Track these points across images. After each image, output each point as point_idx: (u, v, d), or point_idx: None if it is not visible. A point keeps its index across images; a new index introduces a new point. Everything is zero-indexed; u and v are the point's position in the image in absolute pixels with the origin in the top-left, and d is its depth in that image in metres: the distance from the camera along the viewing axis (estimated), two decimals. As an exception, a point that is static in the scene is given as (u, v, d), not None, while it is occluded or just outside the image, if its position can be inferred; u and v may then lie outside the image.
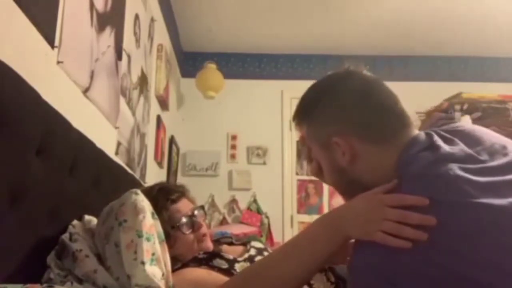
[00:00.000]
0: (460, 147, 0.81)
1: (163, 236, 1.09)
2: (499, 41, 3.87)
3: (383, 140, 0.87)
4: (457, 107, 3.79)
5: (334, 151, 0.89)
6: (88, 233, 1.10)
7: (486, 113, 3.79)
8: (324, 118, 0.93)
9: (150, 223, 1.05)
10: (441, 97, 3.91)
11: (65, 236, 1.05)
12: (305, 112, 0.98)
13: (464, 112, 3.77)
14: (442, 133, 0.87)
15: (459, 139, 0.84)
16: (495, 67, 4.13)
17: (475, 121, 3.75)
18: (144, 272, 0.94)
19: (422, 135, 0.86)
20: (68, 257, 1.01)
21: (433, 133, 0.86)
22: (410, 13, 3.43)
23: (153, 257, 1.01)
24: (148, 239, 1.03)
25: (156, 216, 1.10)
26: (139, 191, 1.09)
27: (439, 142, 0.82)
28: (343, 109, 0.91)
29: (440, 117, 3.85)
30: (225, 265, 1.16)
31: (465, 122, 1.00)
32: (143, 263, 0.95)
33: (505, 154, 0.80)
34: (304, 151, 1.04)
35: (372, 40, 3.88)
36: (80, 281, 0.97)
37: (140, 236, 0.99)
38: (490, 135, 0.89)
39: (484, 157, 0.79)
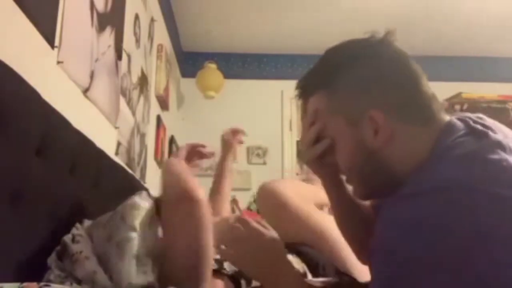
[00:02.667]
0: (501, 136, 0.69)
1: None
2: (499, 41, 3.87)
3: (422, 122, 0.74)
4: (457, 107, 3.79)
5: (365, 128, 0.74)
6: (89, 236, 1.10)
7: (486, 113, 3.78)
8: (355, 87, 0.77)
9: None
10: (441, 97, 3.87)
11: (68, 237, 1.05)
12: (326, 78, 0.79)
13: (464, 112, 3.78)
14: (474, 120, 0.75)
15: (490, 129, 0.72)
16: (495, 67, 4.12)
17: (475, 121, 3.76)
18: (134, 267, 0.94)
19: (457, 120, 0.75)
20: (68, 259, 1.01)
21: (468, 119, 0.74)
22: (410, 12, 3.43)
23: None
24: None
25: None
26: (143, 192, 1.10)
27: (480, 127, 0.71)
28: (381, 79, 0.76)
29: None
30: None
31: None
32: (133, 257, 0.96)
33: None
34: (309, 129, 0.78)
35: (372, 40, 3.88)
36: (80, 282, 0.97)
37: (132, 230, 0.99)
38: (506, 128, 0.77)
39: None
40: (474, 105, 3.79)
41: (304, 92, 0.84)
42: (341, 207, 0.95)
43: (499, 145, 0.66)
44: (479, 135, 0.69)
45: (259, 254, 0.85)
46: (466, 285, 0.57)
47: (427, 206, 0.61)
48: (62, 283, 0.94)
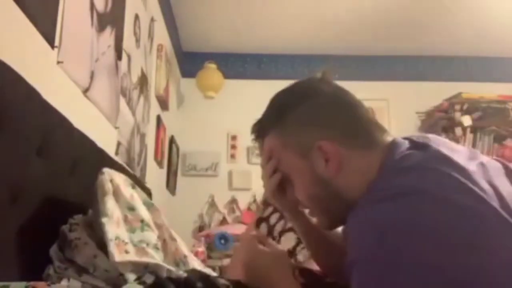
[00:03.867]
0: (444, 148, 0.74)
1: (150, 202, 1.12)
2: (499, 41, 3.87)
3: (367, 145, 0.79)
4: (457, 107, 3.80)
5: (316, 159, 0.79)
6: (88, 225, 1.11)
7: (486, 113, 3.80)
8: (302, 121, 0.83)
9: (129, 194, 1.07)
10: (441, 97, 3.91)
11: (65, 227, 1.06)
12: (276, 118, 0.86)
13: (464, 112, 3.78)
14: (417, 137, 0.81)
15: (432, 143, 0.77)
16: (495, 67, 4.13)
17: (475, 121, 3.76)
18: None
19: (400, 139, 0.80)
20: (68, 246, 1.02)
21: (411, 137, 0.81)
22: (409, 13, 3.43)
23: (142, 224, 1.03)
24: (131, 209, 1.05)
25: (136, 186, 1.12)
26: (104, 170, 1.11)
27: (422, 141, 0.77)
28: (327, 112, 0.82)
29: (440, 117, 3.86)
30: None
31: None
32: (111, 239, 0.96)
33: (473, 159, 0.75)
34: (265, 166, 0.87)
35: (372, 40, 3.88)
36: (81, 270, 0.97)
37: (105, 216, 1.00)
38: (451, 143, 0.81)
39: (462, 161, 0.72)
40: (474, 105, 3.79)
41: (258, 134, 0.90)
42: (309, 237, 1.01)
43: (441, 155, 0.72)
44: (422, 148, 0.75)
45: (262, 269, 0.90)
46: (450, 280, 0.60)
47: (394, 211, 0.65)
48: (61, 275, 0.95)
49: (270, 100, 0.93)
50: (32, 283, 0.71)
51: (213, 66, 3.70)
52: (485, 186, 0.67)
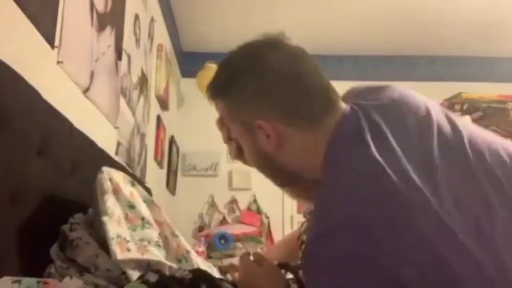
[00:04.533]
0: (389, 156, 0.72)
1: (150, 198, 1.12)
2: (499, 41, 3.87)
3: (310, 125, 0.80)
4: (457, 107, 3.79)
5: (257, 135, 0.81)
6: (88, 224, 1.11)
7: (486, 113, 3.79)
8: (245, 98, 0.83)
9: (128, 191, 1.06)
10: (441, 97, 3.91)
11: (66, 226, 1.06)
12: (222, 88, 0.88)
13: (464, 112, 3.78)
14: (371, 114, 0.79)
15: (388, 128, 0.76)
16: (495, 67, 4.13)
17: (475, 121, 3.76)
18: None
19: (348, 118, 0.79)
20: (69, 246, 1.02)
21: (360, 115, 0.79)
22: (409, 12, 3.43)
23: (143, 221, 1.03)
24: (131, 207, 1.05)
25: (136, 183, 1.12)
26: (103, 169, 1.10)
27: (367, 136, 0.74)
28: (266, 90, 0.81)
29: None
30: None
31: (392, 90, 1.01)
32: (112, 238, 0.96)
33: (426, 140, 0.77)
34: (221, 129, 0.93)
35: (372, 40, 3.88)
36: (82, 269, 0.97)
37: (105, 214, 1.00)
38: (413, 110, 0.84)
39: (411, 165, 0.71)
40: (474, 105, 3.78)
41: (211, 96, 0.94)
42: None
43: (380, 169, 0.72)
44: (361, 145, 0.75)
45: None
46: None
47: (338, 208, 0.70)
48: (62, 276, 0.95)
49: (222, 62, 0.93)
50: (43, 279, 0.71)
51: (213, 66, 3.69)
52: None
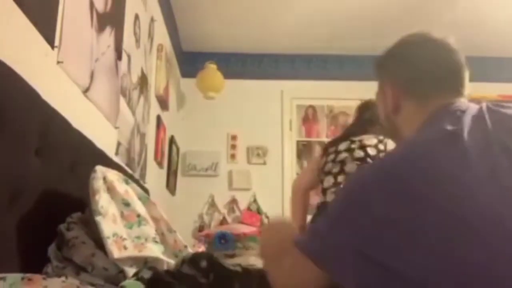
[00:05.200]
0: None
1: (146, 195, 1.13)
2: (499, 41, 3.87)
3: (424, 102, 0.91)
4: (457, 107, 3.79)
5: (385, 95, 0.99)
6: (85, 223, 1.11)
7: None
8: (386, 66, 1.05)
9: (123, 189, 1.06)
10: (441, 97, 3.91)
11: (63, 226, 1.06)
12: (383, 56, 1.08)
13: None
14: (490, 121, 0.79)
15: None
16: (495, 67, 4.12)
17: (475, 121, 3.75)
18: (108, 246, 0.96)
19: (452, 111, 0.83)
20: (65, 246, 1.02)
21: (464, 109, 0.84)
22: (409, 12, 3.43)
23: (139, 218, 1.03)
24: (126, 204, 1.04)
25: (130, 181, 1.12)
26: (96, 168, 1.10)
27: (464, 135, 0.74)
28: (401, 61, 1.01)
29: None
30: None
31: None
32: (108, 237, 0.96)
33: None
34: None
35: (373, 40, 3.88)
36: (79, 269, 0.97)
37: (98, 214, 1.00)
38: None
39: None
40: (474, 105, 3.79)
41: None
42: None
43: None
44: (450, 141, 0.78)
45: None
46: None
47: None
48: (58, 276, 0.94)
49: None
50: (28, 275, 0.71)
51: (213, 66, 3.70)
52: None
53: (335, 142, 2.16)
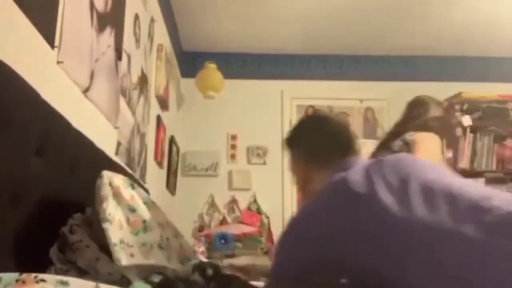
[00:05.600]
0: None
1: (151, 200, 1.13)
2: (499, 41, 3.87)
3: (327, 166, 1.14)
4: (457, 107, 3.79)
5: (298, 171, 1.27)
6: (88, 223, 1.10)
7: (486, 113, 3.79)
8: (294, 146, 1.29)
9: (129, 195, 1.06)
10: (441, 97, 3.90)
11: (66, 228, 1.05)
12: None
13: (464, 112, 3.77)
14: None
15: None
16: (495, 67, 4.12)
17: (475, 121, 3.75)
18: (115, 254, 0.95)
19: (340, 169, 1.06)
20: (69, 249, 1.02)
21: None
22: (409, 12, 3.43)
23: (145, 224, 1.03)
24: (132, 210, 1.04)
25: (136, 186, 1.11)
26: (103, 174, 1.10)
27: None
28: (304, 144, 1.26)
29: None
30: None
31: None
32: (115, 244, 0.96)
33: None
34: None
35: (373, 40, 3.88)
36: (82, 272, 0.97)
37: (105, 221, 0.99)
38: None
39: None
40: (474, 105, 3.78)
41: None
42: None
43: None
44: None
45: None
46: None
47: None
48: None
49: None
50: (24, 276, 0.71)
51: (213, 66, 3.70)
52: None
53: (387, 138, 2.39)
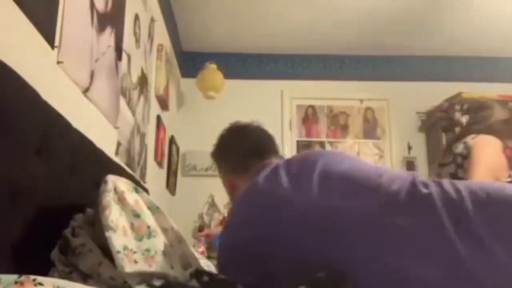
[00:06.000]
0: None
1: (155, 205, 1.12)
2: (499, 41, 3.87)
3: (246, 173, 1.24)
4: (457, 107, 3.79)
5: (225, 181, 1.41)
6: (90, 224, 1.10)
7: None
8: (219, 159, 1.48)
9: (133, 200, 1.06)
10: (441, 97, 3.91)
11: (68, 231, 1.05)
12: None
13: (464, 112, 3.78)
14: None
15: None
16: (495, 67, 4.12)
17: (475, 121, 3.75)
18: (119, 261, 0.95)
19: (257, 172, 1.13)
20: (71, 253, 1.01)
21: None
22: (409, 12, 3.43)
23: (148, 230, 1.02)
24: (136, 216, 1.04)
25: (140, 189, 1.11)
26: (107, 179, 1.09)
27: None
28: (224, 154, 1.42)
29: (440, 117, 3.86)
30: None
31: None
32: (118, 252, 0.96)
33: None
34: None
35: (372, 40, 3.88)
36: (85, 276, 0.97)
37: (109, 229, 0.99)
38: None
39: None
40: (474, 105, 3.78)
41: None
42: None
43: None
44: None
45: None
46: None
47: None
48: (68, 279, 0.94)
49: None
50: (22, 278, 0.70)
51: (213, 66, 3.70)
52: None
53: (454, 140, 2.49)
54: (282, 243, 0.95)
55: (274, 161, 1.22)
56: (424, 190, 0.92)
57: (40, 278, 0.72)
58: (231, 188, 1.34)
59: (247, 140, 1.36)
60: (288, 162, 1.12)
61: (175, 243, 1.13)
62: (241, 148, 1.34)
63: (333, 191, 0.97)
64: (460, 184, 0.94)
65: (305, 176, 1.02)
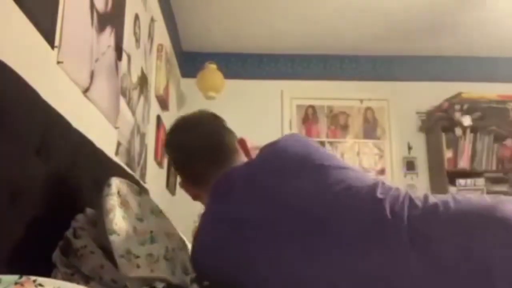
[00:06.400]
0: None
1: (158, 209, 1.12)
2: (499, 41, 3.87)
3: (204, 182, 1.17)
4: (457, 107, 3.80)
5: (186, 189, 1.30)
6: (92, 224, 1.10)
7: (486, 113, 3.80)
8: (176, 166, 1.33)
9: (137, 203, 1.06)
10: (441, 97, 3.91)
11: (69, 232, 1.05)
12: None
13: (464, 112, 3.78)
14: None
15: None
16: (495, 67, 4.13)
17: (475, 121, 3.76)
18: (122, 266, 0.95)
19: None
20: (73, 254, 1.01)
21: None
22: (410, 12, 3.43)
23: (151, 234, 1.02)
24: (139, 220, 1.04)
25: (144, 193, 1.11)
26: (111, 182, 1.09)
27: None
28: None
29: (440, 117, 3.86)
30: None
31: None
32: (122, 256, 0.96)
33: None
34: None
35: (373, 40, 3.88)
36: (87, 278, 0.97)
37: (112, 233, 0.99)
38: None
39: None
40: (474, 105, 3.79)
41: None
42: None
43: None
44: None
45: None
46: None
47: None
48: (70, 281, 0.94)
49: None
50: (23, 278, 0.70)
51: (213, 66, 3.70)
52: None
53: None
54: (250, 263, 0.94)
55: (230, 168, 1.15)
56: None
57: (40, 279, 0.71)
58: (194, 197, 1.28)
59: (196, 148, 1.24)
60: (248, 167, 1.11)
61: (177, 248, 1.12)
62: (192, 160, 1.23)
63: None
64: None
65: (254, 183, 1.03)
